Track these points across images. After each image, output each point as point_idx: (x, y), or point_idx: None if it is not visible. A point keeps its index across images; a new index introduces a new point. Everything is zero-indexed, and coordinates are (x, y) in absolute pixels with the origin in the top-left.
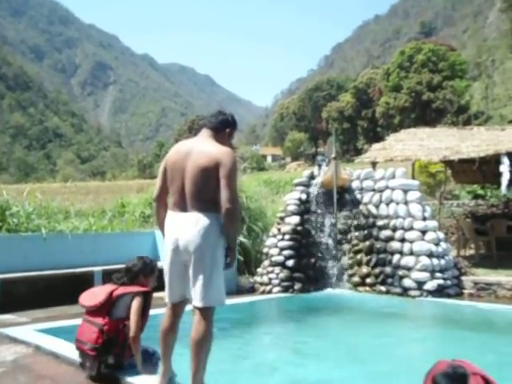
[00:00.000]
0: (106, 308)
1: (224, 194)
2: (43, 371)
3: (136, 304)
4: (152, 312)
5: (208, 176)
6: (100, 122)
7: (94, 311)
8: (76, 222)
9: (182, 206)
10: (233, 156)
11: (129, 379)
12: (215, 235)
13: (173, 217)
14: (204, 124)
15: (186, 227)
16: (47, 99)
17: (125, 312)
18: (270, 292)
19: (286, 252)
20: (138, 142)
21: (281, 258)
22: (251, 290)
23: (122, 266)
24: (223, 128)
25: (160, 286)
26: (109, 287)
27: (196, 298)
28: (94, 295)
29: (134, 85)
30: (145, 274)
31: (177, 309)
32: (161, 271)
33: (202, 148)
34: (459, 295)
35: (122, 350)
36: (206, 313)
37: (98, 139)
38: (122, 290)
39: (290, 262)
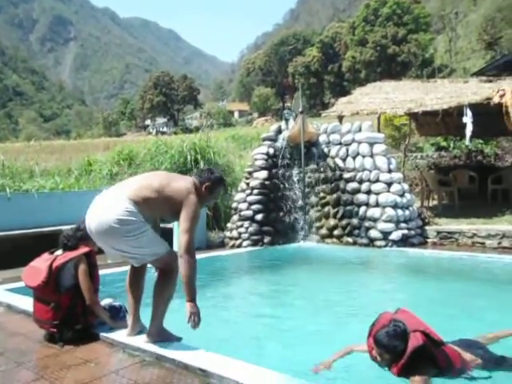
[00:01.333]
0: (51, 283)
1: (183, 240)
2: (15, 329)
3: (81, 271)
4: (124, 269)
5: (169, 196)
6: (62, 79)
7: (40, 289)
8: (42, 181)
9: (113, 188)
10: (198, 208)
11: (103, 335)
12: (127, 225)
13: (96, 197)
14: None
15: (100, 208)
16: (5, 56)
17: (72, 280)
18: (239, 246)
19: (255, 206)
20: (103, 100)
21: (250, 213)
22: (221, 245)
23: None
24: (203, 181)
25: None
26: (47, 259)
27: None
28: (35, 272)
29: (95, 40)
30: None
31: None
32: None
33: (183, 179)
34: (423, 244)
35: (85, 317)
36: (160, 266)
37: (61, 97)
38: (61, 259)
39: (259, 216)
